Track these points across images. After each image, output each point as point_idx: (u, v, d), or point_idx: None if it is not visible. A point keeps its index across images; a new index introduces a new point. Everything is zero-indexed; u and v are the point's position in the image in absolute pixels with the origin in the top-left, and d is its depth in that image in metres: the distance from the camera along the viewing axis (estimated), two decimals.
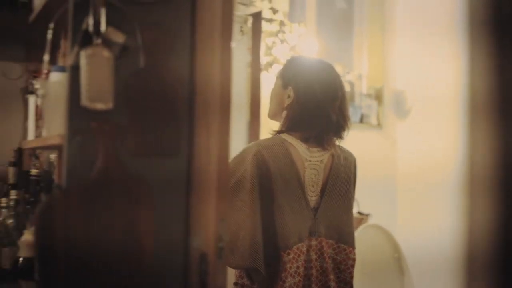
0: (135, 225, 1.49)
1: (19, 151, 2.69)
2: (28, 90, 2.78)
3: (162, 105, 1.57)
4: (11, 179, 2.53)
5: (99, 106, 1.42)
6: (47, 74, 1.98)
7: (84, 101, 1.40)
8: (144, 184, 1.51)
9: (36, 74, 2.74)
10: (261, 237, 1.91)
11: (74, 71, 1.44)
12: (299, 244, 1.96)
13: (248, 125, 3.88)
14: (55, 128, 1.56)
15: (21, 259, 1.98)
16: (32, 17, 2.07)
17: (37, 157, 2.79)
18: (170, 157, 1.57)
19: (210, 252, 1.50)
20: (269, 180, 1.93)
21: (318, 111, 2.02)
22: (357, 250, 2.09)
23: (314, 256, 2.00)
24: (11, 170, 2.56)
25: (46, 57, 1.72)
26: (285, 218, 1.95)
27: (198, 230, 1.55)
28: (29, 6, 2.36)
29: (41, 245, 1.39)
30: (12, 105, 3.11)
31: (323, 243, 2.02)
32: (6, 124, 3.08)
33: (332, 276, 2.01)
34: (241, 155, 2.02)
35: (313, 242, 2.00)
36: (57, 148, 1.89)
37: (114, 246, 1.46)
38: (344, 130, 2.08)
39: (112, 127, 1.47)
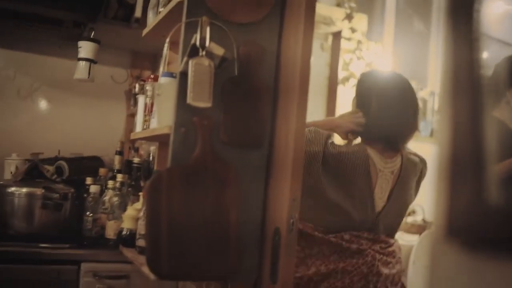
0: (223, 202, 1.83)
1: (122, 143, 3.10)
2: (134, 92, 3.21)
3: (250, 107, 1.91)
4: (117, 165, 2.95)
5: (201, 104, 1.78)
6: (156, 78, 2.38)
7: (189, 100, 1.76)
8: (232, 169, 1.85)
9: (143, 78, 3.15)
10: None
11: (183, 76, 1.80)
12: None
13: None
14: (164, 121, 1.93)
15: (124, 230, 2.37)
16: (145, 31, 2.45)
17: (136, 150, 3.20)
18: (254, 148, 1.91)
19: (283, 227, 1.83)
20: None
21: (393, 121, 2.18)
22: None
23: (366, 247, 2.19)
24: (117, 158, 2.97)
25: (162, 66, 2.08)
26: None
27: (274, 208, 1.89)
28: (140, 22, 2.76)
29: (150, 211, 1.76)
30: (117, 104, 3.55)
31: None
32: (112, 120, 3.51)
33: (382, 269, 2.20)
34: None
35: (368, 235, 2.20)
36: (161, 139, 2.26)
37: (206, 217, 1.81)
38: (411, 136, 2.26)
39: (210, 122, 1.82)
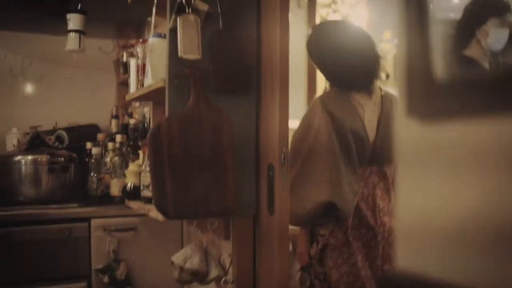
0: (219, 146, 1.99)
1: (117, 108, 3.25)
2: (122, 60, 3.34)
3: (234, 56, 2.06)
4: (114, 129, 3.10)
5: (191, 56, 1.93)
6: (145, 41, 2.51)
7: (180, 53, 1.91)
8: (224, 115, 2.01)
9: (130, 45, 3.27)
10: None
11: (172, 33, 1.95)
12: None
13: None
14: (158, 76, 2.08)
15: (128, 185, 2.54)
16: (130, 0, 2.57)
17: (130, 115, 3.35)
18: (242, 95, 2.08)
19: (276, 162, 2.00)
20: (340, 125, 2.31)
21: (350, 68, 2.30)
22: None
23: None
24: (114, 122, 3.13)
25: (152, 27, 2.22)
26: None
27: (266, 146, 2.06)
28: None
29: (153, 159, 1.92)
30: (107, 74, 3.68)
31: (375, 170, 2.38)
32: (103, 89, 3.65)
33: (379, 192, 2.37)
34: (307, 118, 2.32)
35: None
36: (155, 97, 2.41)
37: (204, 160, 1.97)
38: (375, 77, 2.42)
39: (201, 72, 1.97)
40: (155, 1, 2.14)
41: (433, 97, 0.76)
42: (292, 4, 4.28)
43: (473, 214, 0.69)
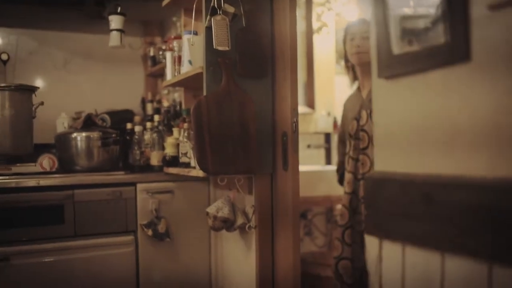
0: (244, 117, 2.54)
1: (153, 94, 3.79)
2: (149, 55, 3.89)
3: (254, 47, 2.61)
4: (149, 111, 3.64)
5: (222, 48, 2.48)
6: (178, 38, 3.05)
7: (215, 45, 2.45)
8: (247, 94, 2.56)
9: (154, 42, 3.80)
10: None
11: (208, 30, 2.49)
12: None
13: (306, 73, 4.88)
14: (197, 63, 2.62)
15: (167, 156, 3.08)
16: (165, 2, 3.10)
17: (159, 101, 3.88)
18: (261, 77, 2.63)
19: (288, 130, 2.56)
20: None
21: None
22: None
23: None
24: (150, 105, 3.67)
25: (183, 26, 2.77)
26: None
27: (280, 118, 2.61)
28: None
29: (195, 126, 2.46)
30: (136, 67, 4.21)
31: None
32: (133, 80, 4.18)
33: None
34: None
35: None
36: (189, 82, 2.94)
37: (234, 129, 2.52)
38: None
39: (230, 61, 2.53)
40: (194, 7, 2.66)
41: (391, 65, 1.31)
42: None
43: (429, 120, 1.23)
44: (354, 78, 3.10)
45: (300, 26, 5.11)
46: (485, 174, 1.04)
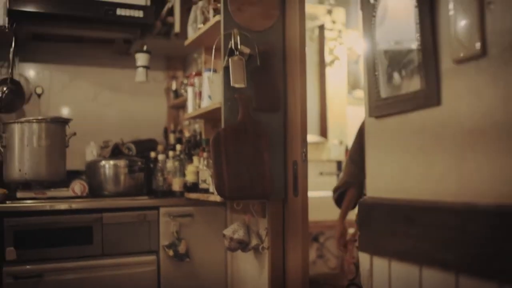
0: (259, 148, 2.76)
1: (175, 125, 4.03)
2: (172, 88, 4.14)
3: (269, 85, 2.84)
4: (172, 140, 3.87)
5: (239, 85, 2.71)
6: (199, 74, 3.29)
7: (232, 83, 2.68)
8: (263, 126, 2.78)
9: (176, 76, 4.05)
10: None
11: (226, 69, 2.73)
12: None
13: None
14: (216, 99, 2.85)
15: (188, 182, 3.30)
16: (187, 42, 3.35)
17: (180, 132, 4.11)
18: (275, 111, 2.85)
19: (298, 159, 2.76)
20: None
21: None
22: None
23: None
24: (172, 136, 3.90)
25: (203, 64, 3.01)
26: None
27: (291, 148, 2.82)
28: (178, 35, 3.65)
29: (214, 157, 2.68)
30: (159, 99, 4.46)
31: None
32: (156, 111, 4.42)
33: None
34: None
35: None
36: (209, 115, 3.17)
37: (249, 158, 2.73)
38: None
39: (246, 96, 2.75)
40: (214, 47, 2.90)
41: (379, 106, 1.51)
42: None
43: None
44: None
45: (314, 59, 5.36)
46: (460, 200, 1.23)
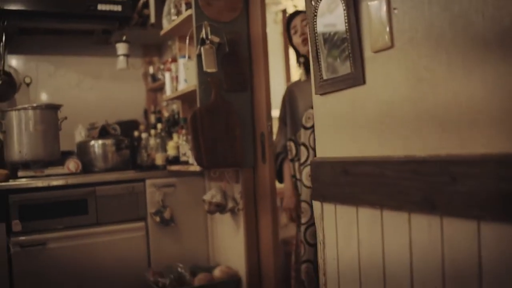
0: (231, 123, 3.13)
1: (155, 107, 4.36)
2: (149, 73, 4.46)
3: (237, 69, 3.20)
4: (153, 120, 4.21)
5: (211, 70, 3.06)
6: (174, 60, 3.63)
7: (205, 68, 3.03)
8: (232, 105, 3.14)
9: (152, 62, 4.36)
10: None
11: (199, 56, 3.07)
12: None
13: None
14: (191, 83, 3.20)
15: (169, 156, 3.66)
16: (163, 32, 3.67)
17: (159, 112, 4.45)
18: (243, 91, 3.21)
19: (265, 131, 3.14)
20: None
21: None
22: None
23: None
24: (153, 116, 4.24)
25: (185, 53, 3.35)
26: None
27: (258, 122, 3.20)
28: (154, 26, 3.97)
29: (193, 133, 3.03)
30: (137, 83, 4.78)
31: None
32: (136, 95, 4.75)
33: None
34: None
35: None
36: (185, 97, 3.52)
37: (223, 133, 3.10)
38: None
39: (217, 80, 3.11)
40: (188, 37, 3.24)
41: (322, 85, 1.89)
42: (269, 22, 5.42)
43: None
44: (308, 70, 2.95)
45: (278, 40, 5.71)
46: (378, 155, 1.61)
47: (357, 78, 1.67)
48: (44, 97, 4.37)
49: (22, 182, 3.35)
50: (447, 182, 1.31)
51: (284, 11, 5.62)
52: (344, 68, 1.73)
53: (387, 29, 1.53)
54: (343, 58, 1.74)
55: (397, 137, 1.53)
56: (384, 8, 1.54)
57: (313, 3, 1.87)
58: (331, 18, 1.80)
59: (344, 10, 1.70)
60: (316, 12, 1.85)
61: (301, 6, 5.69)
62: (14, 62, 4.32)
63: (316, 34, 1.86)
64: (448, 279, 1.35)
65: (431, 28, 1.38)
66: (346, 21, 1.69)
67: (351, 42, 1.68)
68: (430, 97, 1.39)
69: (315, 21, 1.86)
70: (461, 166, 1.28)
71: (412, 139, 1.47)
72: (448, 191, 1.31)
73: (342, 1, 1.70)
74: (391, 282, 1.57)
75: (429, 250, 1.40)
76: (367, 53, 1.63)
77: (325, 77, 1.84)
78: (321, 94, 1.89)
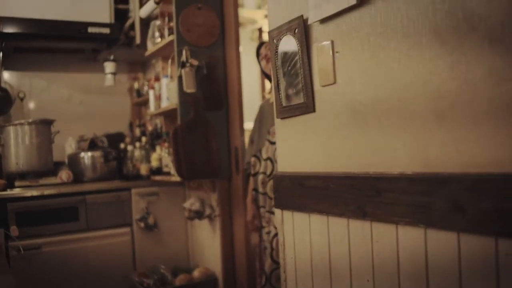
0: (208, 138, 3.43)
1: (140, 120, 4.66)
2: (134, 88, 4.75)
3: (214, 89, 3.51)
4: (137, 133, 4.51)
5: (190, 91, 3.37)
6: (157, 79, 3.93)
7: (185, 88, 3.34)
8: (210, 121, 3.45)
9: (135, 78, 4.66)
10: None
11: (179, 78, 3.38)
12: None
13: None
14: (173, 101, 3.51)
15: (153, 167, 3.95)
16: (147, 53, 3.98)
17: (143, 125, 4.74)
18: (218, 110, 3.52)
19: (238, 145, 3.45)
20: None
21: None
22: None
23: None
24: (138, 130, 4.53)
25: (167, 72, 3.65)
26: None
27: (232, 138, 3.51)
28: (139, 46, 4.27)
29: (174, 147, 3.33)
30: (123, 98, 5.07)
31: None
32: (120, 108, 5.03)
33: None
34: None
35: None
36: (168, 113, 3.82)
37: (201, 147, 3.40)
38: None
39: (196, 99, 3.41)
40: (170, 61, 3.55)
41: (282, 111, 2.20)
42: (246, 40, 5.74)
43: None
44: None
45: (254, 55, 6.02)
46: (324, 171, 1.92)
47: (308, 106, 1.99)
48: (36, 111, 4.63)
49: (19, 191, 3.63)
50: (374, 195, 1.63)
51: (260, 29, 5.95)
52: (299, 98, 2.05)
53: (332, 68, 1.85)
54: (297, 90, 2.06)
55: (339, 156, 1.85)
56: (330, 51, 1.86)
57: (274, 41, 2.18)
58: (288, 56, 2.11)
59: (298, 50, 2.01)
60: (277, 49, 2.16)
61: None
62: (8, 77, 4.58)
63: (277, 68, 2.17)
64: (376, 271, 1.67)
65: (364, 70, 1.70)
66: (300, 59, 2.01)
67: (304, 77, 2.00)
68: (363, 126, 1.71)
69: (276, 57, 2.18)
70: (384, 182, 1.60)
71: (350, 159, 1.79)
72: (375, 201, 1.63)
73: (297, 42, 2.02)
74: (336, 275, 1.89)
75: (363, 248, 1.72)
76: (317, 87, 1.95)
77: (284, 104, 2.16)
78: (281, 118, 2.21)
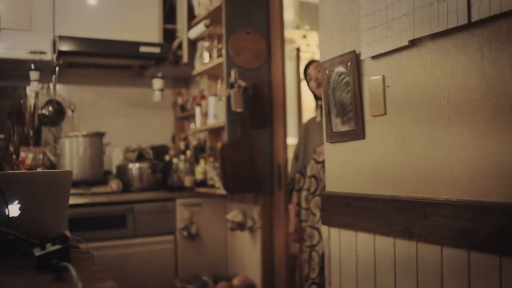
0: (253, 155, 3.62)
1: (184, 134, 4.87)
2: (178, 103, 4.97)
3: (260, 109, 3.70)
4: (182, 147, 4.72)
5: (238, 110, 3.56)
6: (204, 97, 4.14)
7: (233, 108, 3.54)
8: (255, 139, 3.64)
9: (180, 93, 4.88)
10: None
11: (228, 98, 3.58)
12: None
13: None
14: (220, 119, 3.71)
15: (197, 180, 4.16)
16: (195, 72, 4.19)
17: (186, 138, 4.95)
18: (263, 128, 3.71)
19: (281, 163, 3.64)
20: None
21: None
22: None
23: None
24: (183, 143, 4.75)
25: (216, 91, 3.86)
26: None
27: (276, 155, 3.69)
28: (187, 64, 4.49)
29: (221, 162, 3.53)
30: (167, 112, 5.29)
31: None
32: (164, 121, 5.26)
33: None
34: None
35: None
36: (213, 130, 4.02)
37: (246, 162, 3.59)
38: None
39: (243, 118, 3.61)
40: (219, 81, 3.75)
41: (332, 136, 2.38)
42: (286, 57, 5.94)
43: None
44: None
45: (292, 74, 6.22)
46: (372, 193, 2.09)
47: (359, 134, 2.16)
48: (85, 123, 4.87)
49: (72, 199, 3.85)
50: (421, 218, 1.80)
51: (297, 49, 6.14)
52: (349, 125, 2.23)
53: (382, 100, 2.03)
54: (348, 118, 2.23)
55: (386, 180, 2.02)
56: (381, 85, 2.04)
57: (327, 71, 2.36)
58: (340, 86, 2.29)
59: (350, 81, 2.19)
60: (329, 79, 2.35)
61: (312, 44, 6.26)
62: (61, 90, 4.84)
63: (328, 96, 2.35)
64: None
65: (413, 104, 1.87)
66: (351, 90, 2.19)
67: (355, 107, 2.17)
68: (411, 155, 1.88)
69: (328, 86, 2.36)
70: (430, 207, 1.77)
71: (397, 184, 1.95)
72: (421, 224, 1.79)
73: (350, 75, 2.20)
74: None
75: (407, 266, 1.89)
76: (367, 116, 2.12)
77: (334, 130, 2.34)
78: (331, 143, 2.38)
